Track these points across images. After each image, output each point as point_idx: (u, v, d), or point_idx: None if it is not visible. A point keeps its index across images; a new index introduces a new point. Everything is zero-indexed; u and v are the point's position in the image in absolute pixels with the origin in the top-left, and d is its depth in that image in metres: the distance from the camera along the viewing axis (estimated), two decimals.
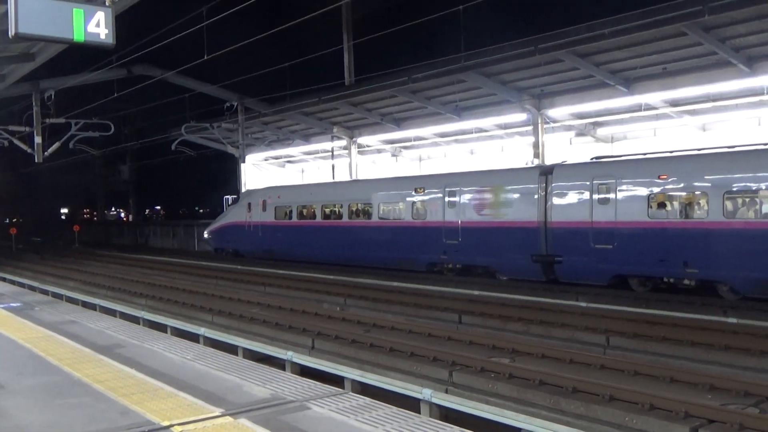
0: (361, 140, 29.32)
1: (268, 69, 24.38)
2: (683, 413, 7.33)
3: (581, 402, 7.94)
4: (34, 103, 25.82)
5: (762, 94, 17.47)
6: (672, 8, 15.21)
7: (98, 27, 8.24)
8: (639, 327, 11.66)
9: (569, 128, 22.76)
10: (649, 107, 19.77)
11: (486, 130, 24.90)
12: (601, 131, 22.68)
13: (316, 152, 33.39)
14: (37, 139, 25.76)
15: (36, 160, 26.17)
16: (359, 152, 29.82)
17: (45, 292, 19.23)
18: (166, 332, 12.86)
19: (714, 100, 18.60)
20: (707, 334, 10.98)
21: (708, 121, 20.33)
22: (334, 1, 22.01)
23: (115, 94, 25.82)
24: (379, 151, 30.56)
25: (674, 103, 19.50)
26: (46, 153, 26.23)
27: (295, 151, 33.86)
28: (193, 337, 12.29)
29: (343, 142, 29.59)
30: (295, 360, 10.18)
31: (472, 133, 25.29)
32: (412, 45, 29.44)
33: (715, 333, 11.08)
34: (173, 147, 31.23)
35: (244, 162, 32.57)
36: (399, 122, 26.65)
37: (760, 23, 15.21)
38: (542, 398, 8.26)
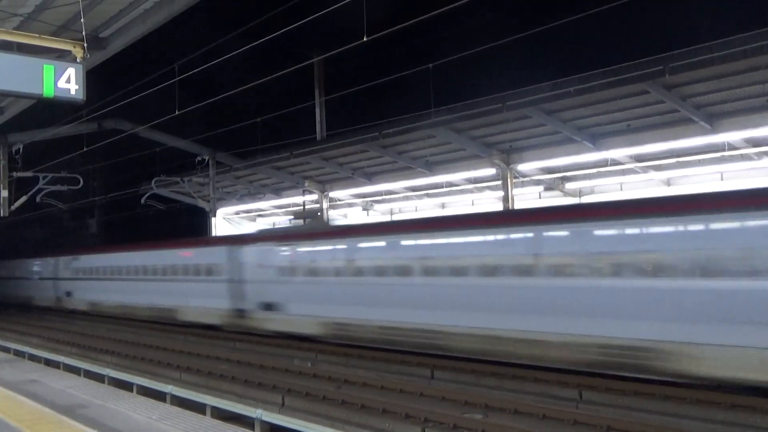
0: (332, 194, 29.40)
1: (241, 124, 24.52)
2: None
3: None
4: (1, 157, 25.51)
5: (723, 150, 17.94)
6: (634, 68, 15.67)
7: (69, 83, 8.26)
8: (611, 381, 11.65)
9: (538, 182, 23.09)
10: (615, 162, 20.18)
11: (456, 185, 25.16)
12: (569, 185, 23.04)
13: (288, 206, 33.37)
14: (3, 193, 25.38)
15: (1, 214, 25.72)
16: (331, 206, 29.87)
17: (6, 350, 18.69)
18: (131, 390, 12.54)
19: (678, 156, 19.04)
20: (679, 388, 11.00)
21: (672, 175, 20.80)
22: (307, 57, 22.35)
23: (85, 148, 25.66)
24: (350, 205, 30.62)
25: (639, 159, 19.92)
26: (12, 207, 25.83)
27: (266, 205, 33.80)
28: (160, 396, 12.00)
29: (315, 197, 29.64)
30: (264, 418, 9.96)
31: (442, 187, 25.53)
32: (384, 101, 29.91)
33: (687, 386, 11.11)
34: (143, 201, 30.98)
35: (215, 216, 32.41)
36: (370, 176, 26.81)
37: (718, 82, 15.73)
38: None
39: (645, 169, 20.46)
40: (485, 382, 12.65)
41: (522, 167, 21.92)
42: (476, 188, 25.15)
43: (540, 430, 8.76)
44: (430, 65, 16.98)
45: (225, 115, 28.70)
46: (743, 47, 13.88)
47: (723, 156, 18.31)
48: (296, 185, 29.67)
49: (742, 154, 18.26)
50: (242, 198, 31.93)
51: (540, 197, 23.90)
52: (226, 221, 36.48)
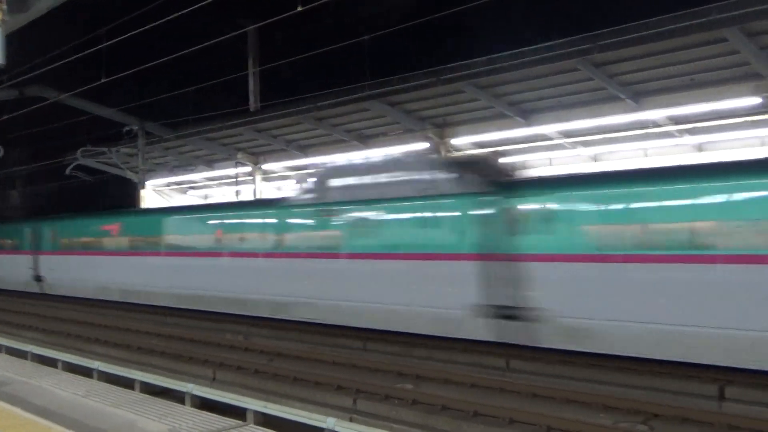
0: (266, 167, 29.05)
1: (171, 93, 23.90)
2: None
3: (482, 426, 8.09)
4: None
5: (648, 127, 18.54)
6: (565, 45, 15.98)
7: None
8: (537, 350, 12.00)
9: None
10: (545, 138, 20.61)
11: None
12: (501, 160, 23.41)
13: (220, 178, 32.81)
14: None
15: None
16: (264, 179, 29.52)
17: None
18: (56, 367, 12.23)
19: (604, 132, 19.58)
20: (601, 356, 11.40)
21: (599, 151, 21.38)
22: (240, 26, 21.90)
23: (6, 116, 24.57)
24: (284, 177, 30.35)
25: (568, 134, 20.40)
26: None
27: (198, 176, 33.15)
28: (87, 372, 11.74)
29: (248, 169, 29.23)
30: (195, 392, 9.88)
31: None
32: (318, 73, 29.60)
33: (609, 357, 11.51)
34: (68, 171, 29.96)
35: (144, 188, 31.60)
36: (304, 149, 26.60)
37: (644, 61, 16.19)
38: (445, 423, 8.38)
39: (573, 145, 20.97)
40: (416, 353, 12.84)
41: (455, 141, 22.14)
42: None
43: (468, 399, 8.98)
44: (366, 37, 16.91)
45: (155, 84, 27.92)
46: (669, 27, 14.31)
47: (647, 133, 18.93)
48: (229, 157, 29.18)
49: (665, 132, 18.91)
50: (173, 170, 31.24)
51: None
52: (156, 193, 35.67)
